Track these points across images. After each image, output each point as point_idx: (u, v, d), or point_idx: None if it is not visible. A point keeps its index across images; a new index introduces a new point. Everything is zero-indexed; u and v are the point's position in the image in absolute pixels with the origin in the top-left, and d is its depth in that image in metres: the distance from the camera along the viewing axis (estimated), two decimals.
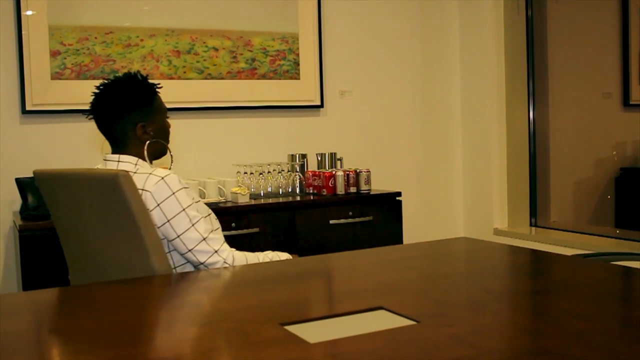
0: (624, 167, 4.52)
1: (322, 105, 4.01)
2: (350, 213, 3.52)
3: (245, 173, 3.60)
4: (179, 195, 1.96)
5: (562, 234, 3.99)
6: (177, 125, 3.66)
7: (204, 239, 1.96)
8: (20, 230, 2.89)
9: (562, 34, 4.36)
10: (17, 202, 3.24)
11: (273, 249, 2.61)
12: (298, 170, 3.73)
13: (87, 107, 2.16)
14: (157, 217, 1.96)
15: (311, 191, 3.64)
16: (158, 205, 1.96)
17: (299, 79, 3.94)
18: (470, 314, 1.44)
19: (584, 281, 1.67)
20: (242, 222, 3.25)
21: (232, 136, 3.81)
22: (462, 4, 4.32)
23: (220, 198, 3.40)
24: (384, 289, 1.68)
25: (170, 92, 3.61)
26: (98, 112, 2.12)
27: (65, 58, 3.39)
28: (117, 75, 2.18)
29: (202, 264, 1.98)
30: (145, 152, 2.12)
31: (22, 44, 3.30)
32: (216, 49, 3.73)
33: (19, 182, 3.10)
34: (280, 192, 3.63)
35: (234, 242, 3.18)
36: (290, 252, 2.29)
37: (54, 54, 3.37)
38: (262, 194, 3.57)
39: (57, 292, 1.89)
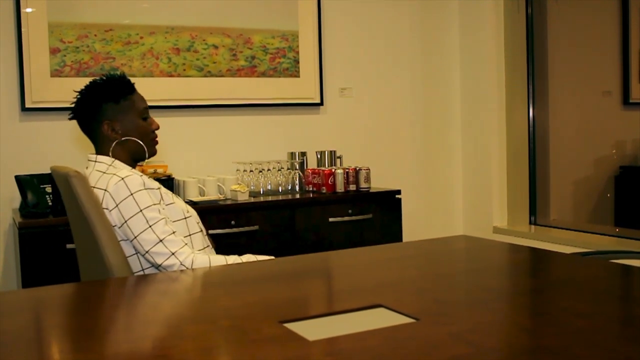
0: (623, 166, 4.52)
1: (321, 103, 4.01)
2: (350, 211, 3.52)
3: (245, 171, 3.60)
4: (137, 196, 1.96)
5: (561, 232, 4.00)
6: (177, 123, 3.67)
7: (161, 240, 1.94)
8: (19, 227, 2.89)
9: (562, 32, 4.35)
10: (16, 199, 3.24)
11: (273, 247, 2.61)
12: (298, 168, 3.73)
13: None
14: (116, 217, 1.98)
15: (311, 189, 3.64)
16: (117, 205, 1.97)
17: (298, 76, 3.94)
18: (470, 312, 1.44)
19: (583, 279, 1.67)
20: (241, 219, 3.25)
21: (232, 134, 3.81)
22: (463, 3, 4.32)
23: (220, 196, 3.40)
24: (383, 287, 1.68)
25: (170, 90, 3.63)
26: (74, 112, 2.17)
27: (64, 55, 3.39)
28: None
29: (160, 265, 1.97)
30: (111, 152, 2.12)
31: (22, 42, 3.30)
32: (216, 47, 3.73)
33: (19, 179, 3.10)
34: (280, 190, 3.63)
35: (233, 239, 3.19)
36: (289, 250, 2.29)
37: (53, 51, 3.37)
38: (261, 192, 3.57)
39: (57, 290, 1.89)
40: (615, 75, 4.49)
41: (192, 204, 3.22)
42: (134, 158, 2.17)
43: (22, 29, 3.30)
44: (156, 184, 2.06)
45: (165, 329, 1.38)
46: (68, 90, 3.41)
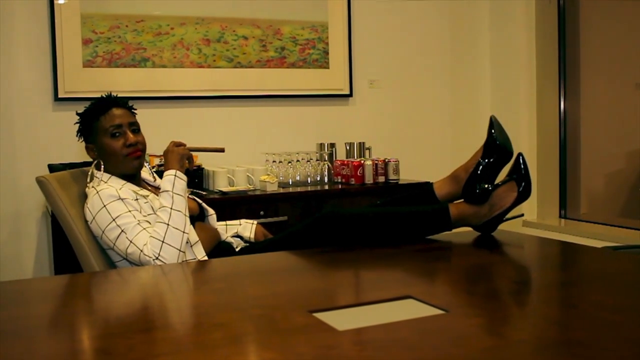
0: None
1: (351, 95, 4.01)
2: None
3: (274, 161, 3.61)
4: (109, 207, 2.04)
5: (591, 227, 3.95)
6: (207, 114, 3.70)
7: (131, 241, 2.00)
8: (52, 215, 2.94)
9: (595, 23, 4.29)
10: None
11: None
12: (326, 159, 3.74)
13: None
14: (95, 228, 2.08)
15: (339, 180, 3.64)
16: (94, 218, 2.07)
17: (328, 68, 3.94)
18: (499, 304, 1.44)
19: (614, 273, 1.66)
20: (270, 210, 3.26)
21: (261, 125, 3.82)
22: None
23: (249, 186, 3.41)
24: (412, 279, 1.68)
25: (200, 81, 3.65)
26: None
27: (97, 46, 3.43)
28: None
29: (140, 263, 2.02)
30: (92, 169, 2.21)
31: (55, 32, 3.34)
32: (246, 38, 3.74)
33: (52, 168, 3.15)
34: (309, 181, 3.63)
35: None
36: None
37: (86, 42, 3.41)
38: (290, 183, 3.58)
39: (89, 277, 1.92)
40: None
41: (222, 194, 3.25)
42: (120, 175, 2.20)
43: (55, 20, 3.34)
44: (133, 195, 2.11)
45: (195, 317, 1.39)
46: (100, 80, 3.48)
